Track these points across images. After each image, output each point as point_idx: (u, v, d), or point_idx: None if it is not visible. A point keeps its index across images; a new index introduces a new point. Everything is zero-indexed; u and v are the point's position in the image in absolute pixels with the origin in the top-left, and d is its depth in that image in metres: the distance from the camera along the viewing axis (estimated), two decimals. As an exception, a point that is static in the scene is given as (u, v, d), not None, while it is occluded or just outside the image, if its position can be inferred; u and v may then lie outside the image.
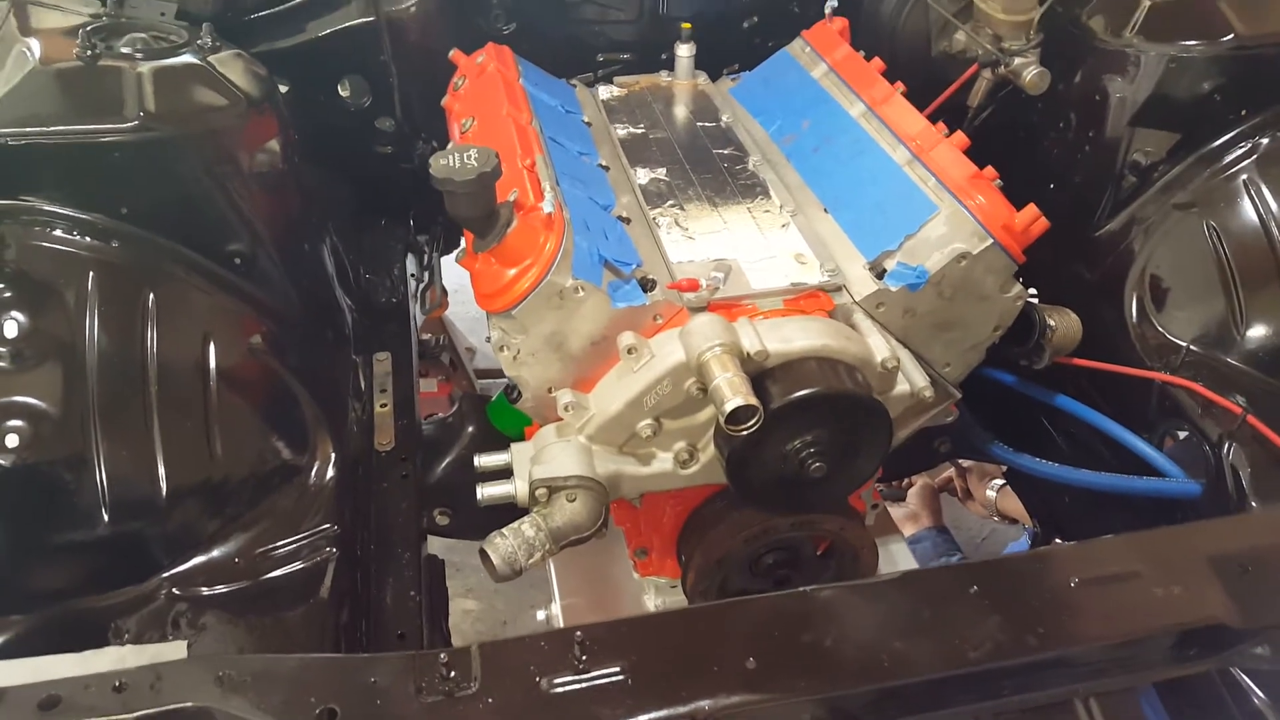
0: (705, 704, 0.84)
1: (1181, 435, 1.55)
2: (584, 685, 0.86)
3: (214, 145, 1.50)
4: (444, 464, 1.83)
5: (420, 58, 1.96)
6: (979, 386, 1.62)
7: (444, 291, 2.53)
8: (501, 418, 1.86)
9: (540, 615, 1.81)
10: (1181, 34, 1.64)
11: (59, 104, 1.43)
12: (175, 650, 1.20)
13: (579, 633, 0.88)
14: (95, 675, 0.84)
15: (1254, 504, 1.37)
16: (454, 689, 0.84)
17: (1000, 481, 2.68)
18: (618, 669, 0.86)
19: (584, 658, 0.87)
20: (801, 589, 0.96)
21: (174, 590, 1.30)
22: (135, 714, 0.83)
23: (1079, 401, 1.65)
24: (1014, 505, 2.62)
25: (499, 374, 3.13)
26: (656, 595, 1.65)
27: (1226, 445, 1.43)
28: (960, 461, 2.77)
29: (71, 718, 0.83)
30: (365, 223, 2.14)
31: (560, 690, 0.85)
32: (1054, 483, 1.63)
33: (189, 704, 0.83)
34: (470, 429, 1.87)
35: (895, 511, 2.75)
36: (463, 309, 3.34)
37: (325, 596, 1.33)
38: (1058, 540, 1.89)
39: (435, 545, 1.76)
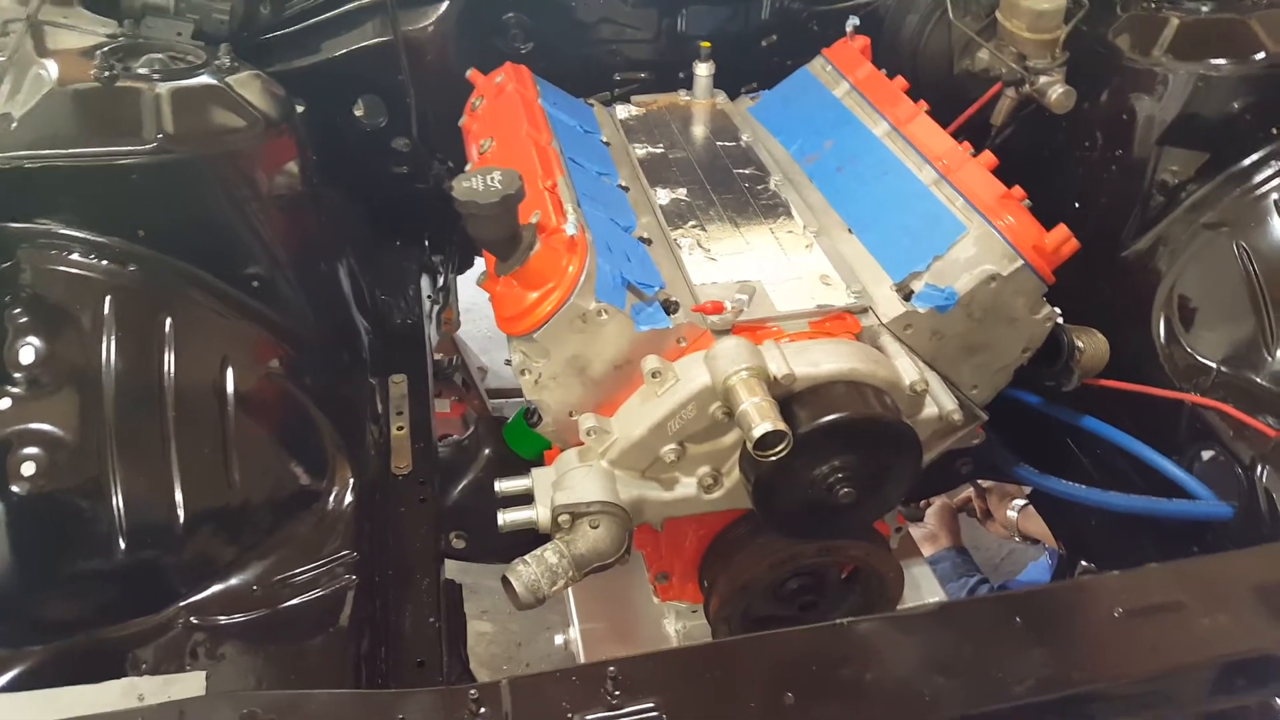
0: (742, 742, 0.82)
1: (1208, 457, 1.52)
2: (618, 722, 0.83)
3: (232, 167, 1.49)
4: (460, 487, 1.81)
5: (437, 78, 1.95)
6: (1003, 407, 1.60)
7: (456, 311, 2.52)
8: (519, 440, 1.84)
9: (559, 640, 1.78)
10: (1211, 53, 1.63)
11: (76, 125, 1.42)
12: (194, 681, 1.17)
13: (612, 667, 0.86)
14: (116, 713, 0.81)
15: (1289, 527, 1.34)
16: (485, 726, 0.82)
17: (1021, 502, 2.65)
18: (652, 705, 0.84)
19: (617, 693, 0.84)
20: (839, 621, 0.93)
21: (191, 619, 1.28)
22: (157, 753, 0.81)
23: (1106, 423, 1.63)
24: (1036, 526, 2.59)
25: (512, 393, 3.13)
26: (677, 620, 1.63)
27: (1260, 468, 1.40)
28: (979, 482, 2.74)
29: (91, 757, 0.81)
30: (380, 243, 2.13)
31: (593, 728, 0.83)
32: (1080, 505, 1.60)
33: (213, 743, 0.81)
34: (486, 452, 1.85)
35: (914, 532, 2.71)
36: (474, 328, 3.33)
37: (345, 625, 1.31)
38: (1084, 563, 1.86)
39: (450, 568, 1.74)
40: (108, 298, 1.35)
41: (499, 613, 2.70)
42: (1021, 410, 1.70)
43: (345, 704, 0.85)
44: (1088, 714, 0.94)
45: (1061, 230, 1.38)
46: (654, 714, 0.84)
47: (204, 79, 1.51)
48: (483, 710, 0.83)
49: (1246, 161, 1.64)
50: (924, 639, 0.93)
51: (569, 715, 0.84)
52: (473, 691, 0.83)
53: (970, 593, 2.45)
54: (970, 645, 0.91)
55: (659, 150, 1.81)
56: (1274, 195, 1.59)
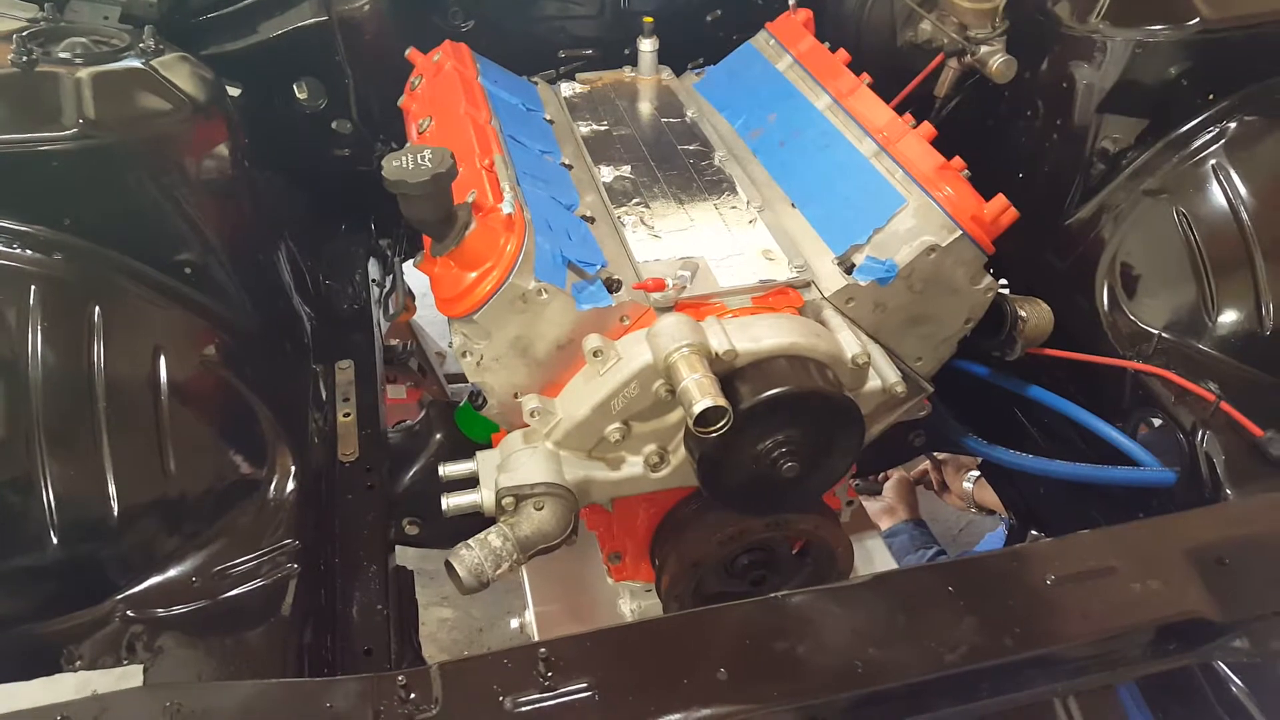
0: (676, 718, 0.81)
1: (1155, 423, 1.54)
2: (550, 703, 0.83)
3: (159, 152, 1.45)
4: (412, 472, 1.79)
5: (376, 57, 1.92)
6: (952, 379, 1.60)
7: (410, 296, 2.49)
8: (470, 424, 1.82)
9: (514, 623, 1.78)
10: (1147, 19, 1.63)
11: None
12: (131, 675, 1.15)
13: (544, 649, 0.85)
14: (38, 709, 0.79)
15: (1229, 491, 1.35)
16: (414, 712, 0.81)
17: (977, 473, 2.68)
18: (585, 685, 0.83)
19: (550, 674, 0.84)
20: (773, 595, 0.93)
21: (129, 613, 1.25)
22: (78, 750, 0.79)
23: (1052, 392, 1.64)
24: (991, 497, 2.61)
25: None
26: (632, 600, 1.63)
27: (1200, 433, 1.42)
28: (935, 454, 2.76)
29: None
30: (324, 228, 2.10)
31: (526, 709, 0.82)
32: (1029, 474, 1.62)
33: (135, 738, 0.79)
34: (438, 436, 1.83)
35: (871, 505, 2.73)
36: (431, 312, 3.27)
37: (287, 615, 1.29)
38: (1034, 532, 1.88)
39: (408, 555, 1.72)
40: (33, 288, 1.31)
41: (459, 598, 2.67)
42: (971, 381, 1.71)
43: (271, 694, 0.84)
44: (1024, 680, 0.95)
45: (1000, 200, 1.38)
46: (587, 694, 0.83)
47: (128, 62, 1.47)
48: (412, 696, 0.82)
49: (1184, 128, 1.64)
50: (858, 610, 0.93)
51: (501, 698, 0.83)
52: (400, 677, 0.82)
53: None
54: (903, 615, 0.91)
55: (603, 128, 1.79)
56: (1211, 161, 1.60)
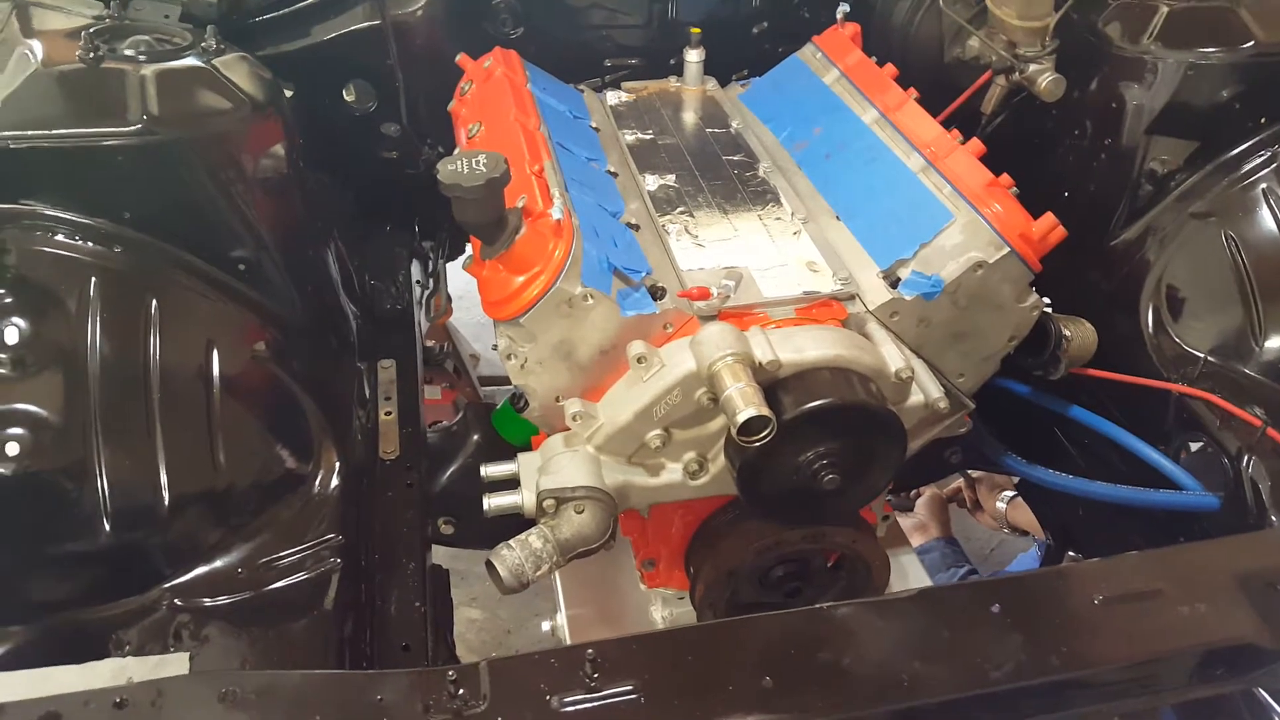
0: (719, 724, 0.82)
1: (1196, 447, 1.52)
2: (596, 704, 0.83)
3: (218, 149, 1.48)
4: (449, 473, 1.81)
5: (426, 62, 1.94)
6: (992, 396, 1.60)
7: (448, 298, 2.51)
8: (507, 426, 1.84)
9: (545, 626, 1.79)
10: (1200, 41, 1.62)
11: (61, 107, 1.41)
12: (178, 663, 1.17)
13: (590, 650, 0.86)
14: (96, 691, 0.82)
15: (1274, 518, 1.34)
16: (462, 707, 0.82)
17: (1011, 493, 2.65)
18: (630, 687, 0.84)
19: (595, 675, 0.84)
20: (818, 606, 0.93)
21: (176, 601, 1.28)
22: (135, 732, 0.81)
23: (1093, 412, 1.63)
24: (1025, 517, 2.59)
25: (503, 381, 3.12)
26: (664, 607, 1.63)
27: (1246, 458, 1.41)
28: (969, 472, 2.74)
29: (70, 736, 0.81)
30: (370, 229, 2.12)
31: (571, 709, 0.83)
32: (1067, 495, 1.61)
33: (191, 722, 0.81)
34: (475, 437, 1.85)
35: (904, 522, 2.72)
36: (467, 315, 3.32)
37: (329, 608, 1.31)
38: (1070, 553, 1.86)
39: (439, 554, 1.74)
40: (93, 279, 1.34)
41: (488, 599, 2.70)
42: (1011, 400, 1.70)
43: (323, 684, 0.85)
44: (1066, 700, 0.94)
45: (1048, 218, 1.38)
46: (632, 696, 0.84)
47: (190, 61, 1.50)
48: (460, 692, 0.83)
49: (1235, 151, 1.63)
50: (902, 624, 0.93)
51: (548, 697, 0.84)
52: (451, 673, 0.83)
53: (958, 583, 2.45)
54: (948, 631, 0.91)
55: (648, 136, 1.80)
56: (1262, 185, 1.59)
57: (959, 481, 2.83)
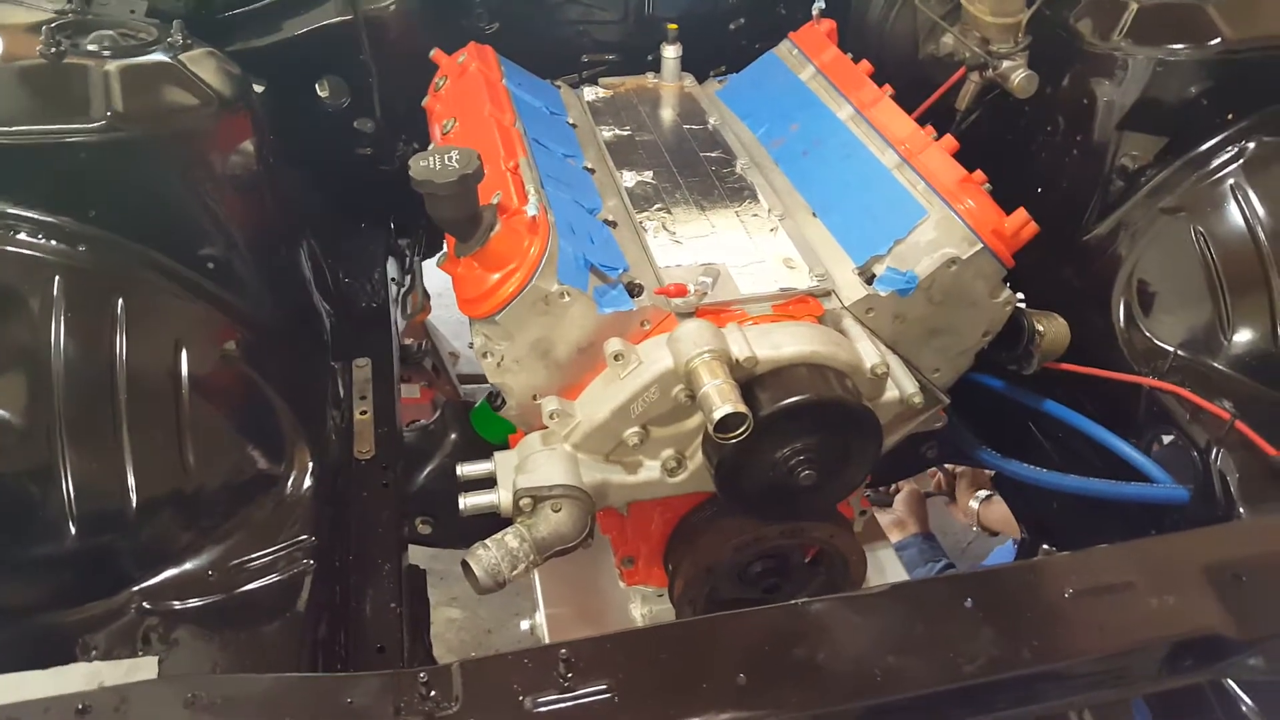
0: (694, 722, 0.81)
1: (1166, 440, 1.53)
2: (570, 704, 0.83)
3: (185, 146, 1.46)
4: (426, 472, 1.80)
5: (400, 57, 1.93)
6: (967, 391, 1.60)
7: (426, 296, 2.49)
8: (485, 425, 1.82)
9: (525, 625, 1.78)
10: (1169, 37, 1.63)
11: (22, 103, 1.38)
12: (146, 667, 1.15)
13: (564, 650, 0.85)
14: (56, 698, 0.80)
15: (1242, 510, 1.35)
16: (434, 710, 0.81)
17: (985, 493, 2.67)
18: (604, 686, 0.83)
19: (569, 675, 0.84)
20: (792, 602, 0.93)
21: (145, 604, 1.26)
22: (100, 739, 0.79)
23: (1066, 406, 1.64)
24: (996, 518, 2.61)
25: (483, 379, 3.10)
26: (643, 604, 1.63)
27: (1215, 451, 1.42)
28: (950, 466, 2.76)
29: (33, 743, 0.79)
30: (344, 226, 2.10)
31: (545, 709, 0.82)
32: (1042, 488, 1.62)
33: (157, 728, 0.80)
34: (453, 436, 1.84)
35: (882, 518, 2.73)
36: (446, 312, 3.29)
37: (302, 610, 1.29)
38: (1045, 546, 1.87)
39: (418, 554, 1.73)
40: (57, 278, 1.31)
41: (468, 599, 2.69)
42: (986, 394, 1.71)
43: (292, 688, 0.84)
44: (1038, 693, 0.95)
45: (1020, 214, 1.39)
46: (606, 695, 0.83)
47: (156, 56, 1.47)
48: (433, 694, 0.82)
49: (1203, 147, 1.65)
50: (877, 619, 0.94)
51: (521, 698, 0.84)
52: (423, 675, 0.82)
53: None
54: (922, 625, 0.91)
55: (626, 133, 1.80)
56: (1230, 180, 1.60)
57: (937, 479, 2.84)
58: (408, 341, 2.80)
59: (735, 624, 0.95)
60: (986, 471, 2.66)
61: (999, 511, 2.57)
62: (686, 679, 0.85)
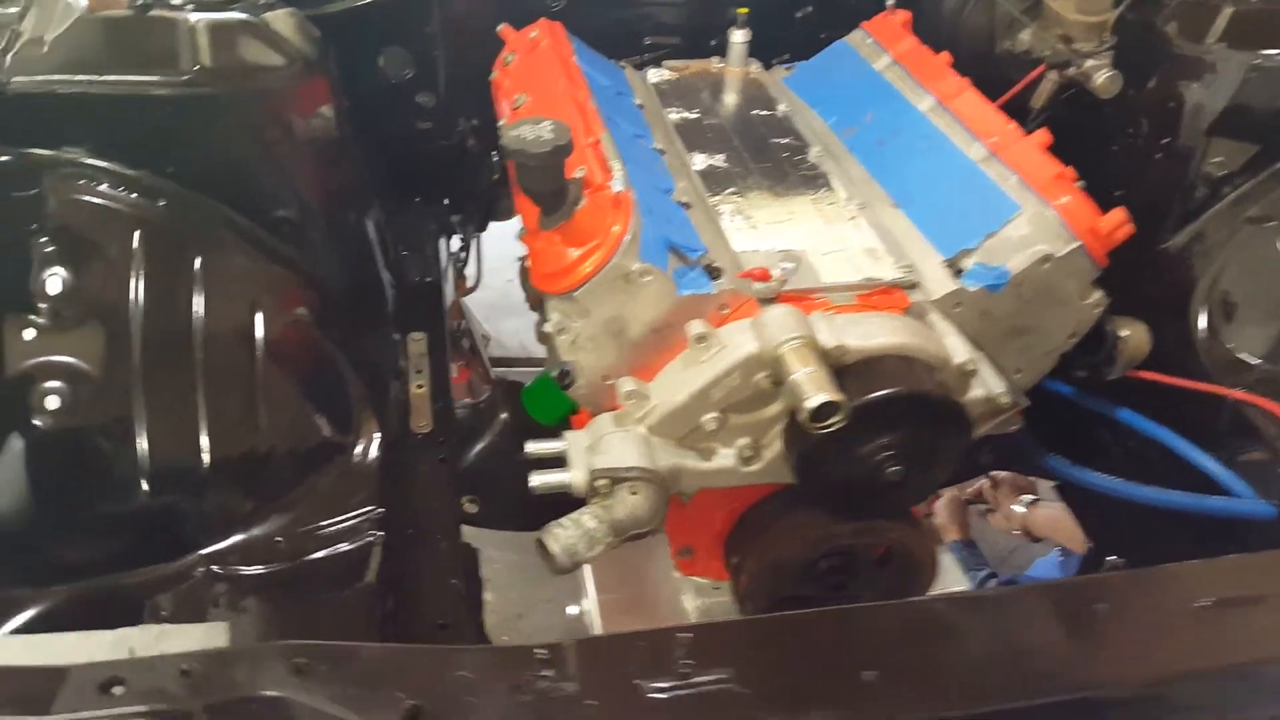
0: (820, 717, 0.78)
1: (1247, 455, 1.50)
2: (688, 692, 0.80)
3: (268, 105, 1.43)
4: (475, 451, 1.77)
5: (467, 32, 1.90)
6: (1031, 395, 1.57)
7: (477, 274, 2.46)
8: (538, 406, 1.79)
9: (573, 610, 1.75)
10: (1264, 42, 1.60)
11: (108, 53, 1.36)
12: (216, 632, 1.12)
13: (684, 635, 0.82)
14: (162, 657, 0.77)
15: (1331, 529, 1.33)
16: (550, 689, 0.78)
17: (1031, 498, 2.63)
18: (725, 675, 0.80)
19: (689, 662, 0.81)
20: (921, 598, 0.90)
21: (213, 568, 1.23)
22: (204, 702, 0.76)
23: (1141, 416, 1.61)
24: (1041, 524, 2.57)
25: (514, 363, 3.08)
26: (696, 596, 1.60)
27: (1306, 468, 1.39)
28: (993, 473, 2.72)
29: (134, 702, 0.76)
30: (400, 200, 2.08)
31: (663, 696, 0.79)
32: (1113, 498, 1.58)
33: (263, 693, 0.77)
34: (503, 416, 1.81)
35: (920, 522, 2.69)
36: (479, 295, 3.26)
37: (371, 581, 1.27)
38: (1110, 558, 1.84)
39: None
40: (136, 232, 1.29)
41: (499, 582, 2.64)
42: (1047, 400, 1.67)
43: (402, 658, 0.81)
44: (1171, 706, 0.91)
45: (1118, 213, 1.36)
46: (726, 685, 0.80)
47: (240, 14, 1.44)
48: (549, 672, 0.79)
49: (1295, 157, 1.62)
50: (1007, 620, 0.90)
51: (636, 681, 0.81)
52: (539, 651, 0.80)
53: (979, 586, 2.42)
54: (1057, 627, 0.87)
55: (694, 115, 1.77)
56: (1323, 193, 1.57)
57: (978, 484, 2.80)
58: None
59: (859, 617, 0.92)
60: (1029, 478, 2.63)
61: (1045, 516, 2.53)
62: (810, 671, 0.82)
